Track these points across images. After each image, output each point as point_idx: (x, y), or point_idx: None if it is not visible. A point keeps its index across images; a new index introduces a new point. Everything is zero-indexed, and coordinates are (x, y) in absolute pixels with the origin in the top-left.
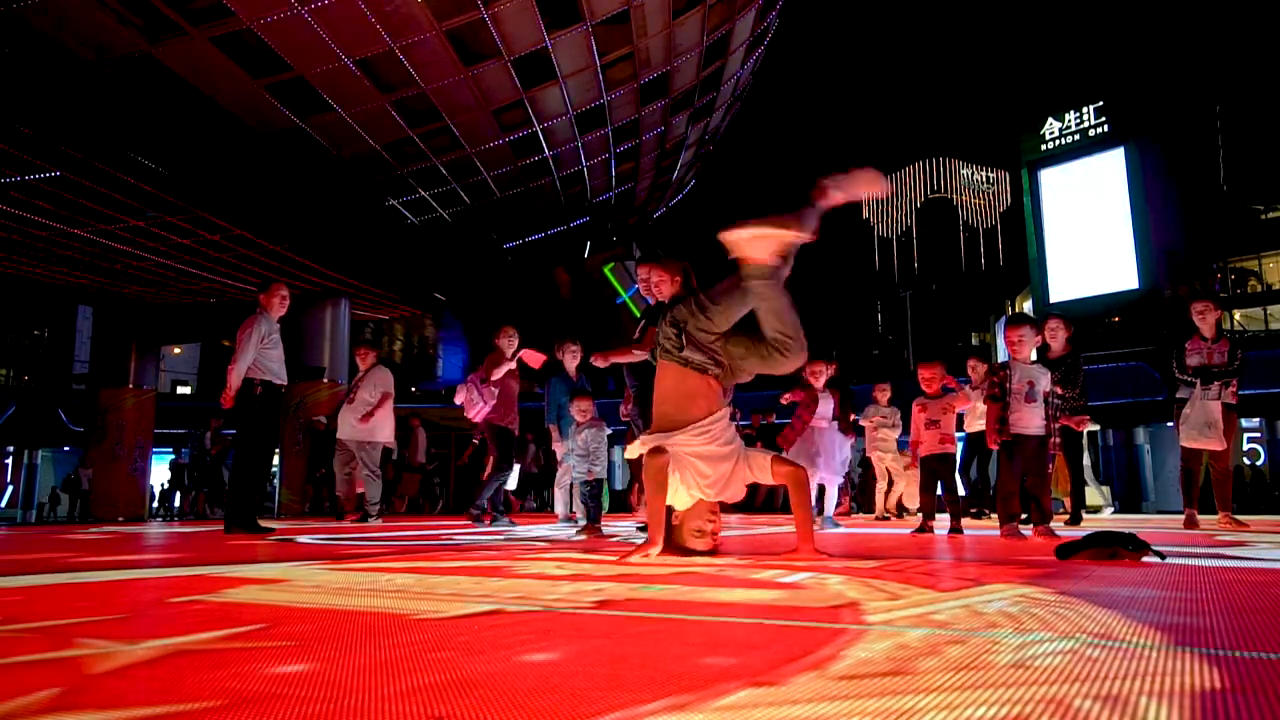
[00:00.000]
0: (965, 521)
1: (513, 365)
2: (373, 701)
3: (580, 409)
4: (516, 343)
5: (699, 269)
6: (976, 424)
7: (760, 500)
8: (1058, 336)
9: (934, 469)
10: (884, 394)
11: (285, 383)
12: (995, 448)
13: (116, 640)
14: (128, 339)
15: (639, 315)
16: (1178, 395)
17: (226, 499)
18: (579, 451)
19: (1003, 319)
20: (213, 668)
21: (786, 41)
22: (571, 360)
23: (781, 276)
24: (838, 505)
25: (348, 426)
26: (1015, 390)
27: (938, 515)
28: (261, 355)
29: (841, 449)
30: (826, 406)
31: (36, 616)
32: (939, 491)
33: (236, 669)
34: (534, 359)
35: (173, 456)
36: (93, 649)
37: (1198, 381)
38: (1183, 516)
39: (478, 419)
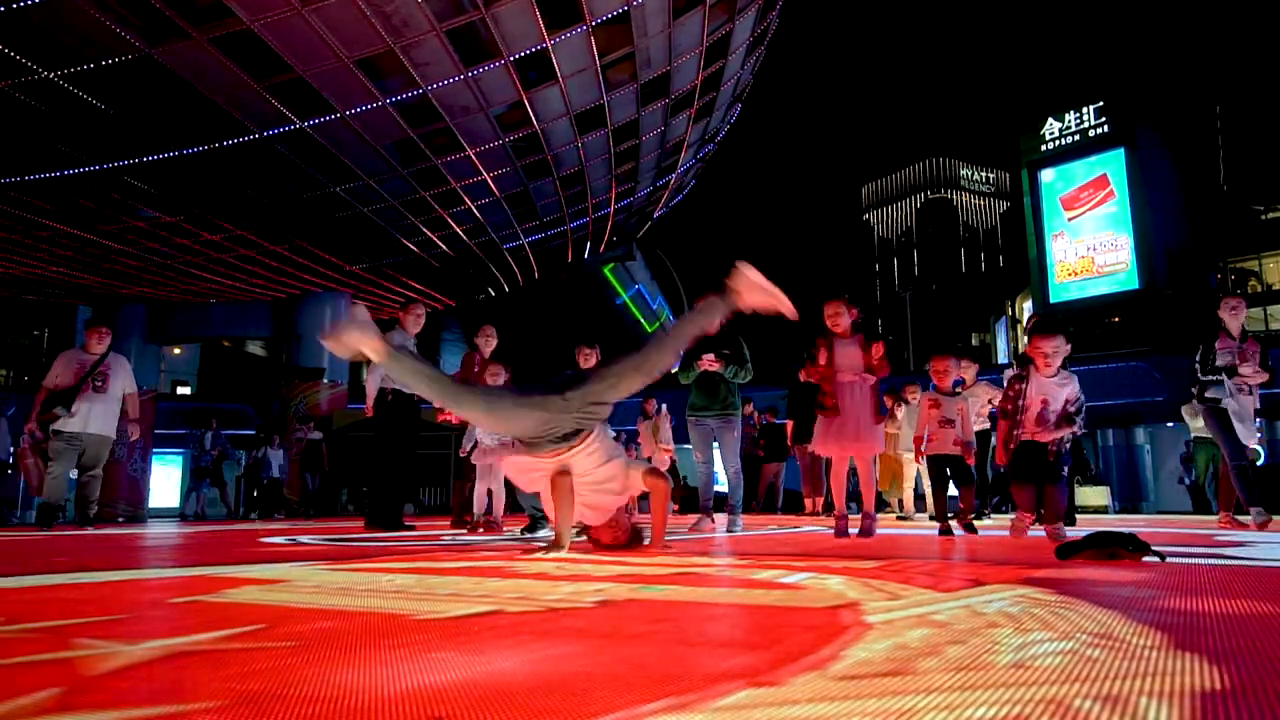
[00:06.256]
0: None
1: (476, 369)
2: (373, 701)
3: None
4: (494, 343)
5: (697, 268)
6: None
7: (761, 500)
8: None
9: (941, 466)
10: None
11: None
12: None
13: (116, 640)
14: (127, 339)
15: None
16: (1207, 395)
17: (368, 499)
18: None
19: (1003, 320)
20: (213, 668)
21: (787, 41)
22: (585, 364)
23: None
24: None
25: (99, 421)
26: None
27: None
28: None
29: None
30: (852, 356)
31: (36, 616)
32: (952, 490)
33: (236, 669)
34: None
35: (183, 457)
36: (93, 649)
37: (1225, 379)
38: (1217, 517)
39: (455, 420)
